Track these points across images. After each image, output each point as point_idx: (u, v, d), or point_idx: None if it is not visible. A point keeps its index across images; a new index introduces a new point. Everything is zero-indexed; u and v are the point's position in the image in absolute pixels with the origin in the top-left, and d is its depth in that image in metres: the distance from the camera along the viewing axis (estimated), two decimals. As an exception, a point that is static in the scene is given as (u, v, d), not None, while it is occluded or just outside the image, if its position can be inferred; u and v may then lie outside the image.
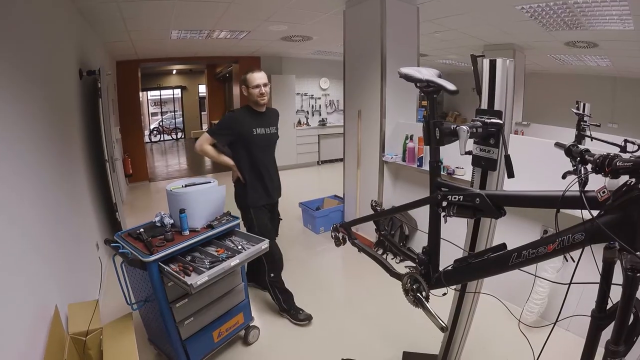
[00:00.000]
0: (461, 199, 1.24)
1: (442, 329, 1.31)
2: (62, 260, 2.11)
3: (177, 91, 12.57)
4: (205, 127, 12.34)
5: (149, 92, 12.37)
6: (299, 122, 7.70)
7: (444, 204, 1.29)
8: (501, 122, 1.34)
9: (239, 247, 2.09)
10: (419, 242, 3.41)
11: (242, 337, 2.35)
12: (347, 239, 1.84)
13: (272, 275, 2.44)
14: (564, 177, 1.03)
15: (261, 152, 2.41)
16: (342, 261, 3.55)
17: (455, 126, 1.28)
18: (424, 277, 1.39)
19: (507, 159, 1.27)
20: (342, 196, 4.16)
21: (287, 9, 3.77)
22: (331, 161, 8.19)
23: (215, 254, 2.00)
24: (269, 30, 4.71)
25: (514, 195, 1.15)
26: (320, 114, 8.07)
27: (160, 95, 12.62)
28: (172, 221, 2.10)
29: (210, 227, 2.12)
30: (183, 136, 12.60)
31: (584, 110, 2.78)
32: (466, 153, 1.30)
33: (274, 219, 2.68)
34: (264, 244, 2.06)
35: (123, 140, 6.13)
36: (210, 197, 2.17)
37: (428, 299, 1.40)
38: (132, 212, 4.83)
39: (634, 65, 4.36)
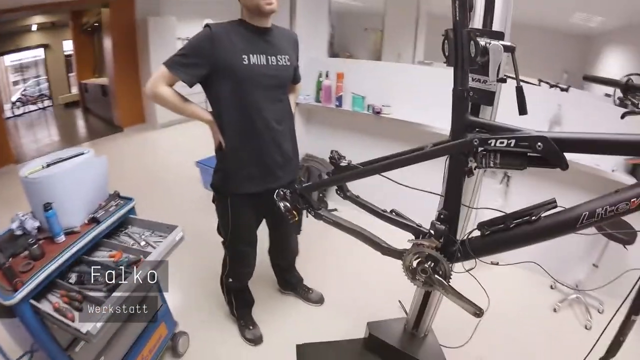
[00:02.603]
0: (512, 144, 0.78)
1: (476, 314, 0.92)
2: None
3: (40, 52, 9.24)
4: (74, 90, 9.45)
5: (7, 56, 8.78)
6: (183, 70, 6.25)
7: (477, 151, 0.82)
8: (513, 45, 0.87)
9: (142, 243, 1.31)
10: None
11: (170, 348, 1.64)
12: (306, 210, 1.24)
13: (230, 280, 1.62)
14: (622, 117, 0.83)
15: (259, 98, 1.26)
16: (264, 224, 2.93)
17: (486, 42, 0.79)
18: (442, 252, 0.94)
19: (520, 91, 0.84)
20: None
21: None
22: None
23: (111, 261, 1.20)
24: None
25: (593, 140, 0.76)
26: (206, 59, 6.70)
27: (20, 60, 9.14)
28: (37, 224, 1.21)
29: (94, 221, 1.28)
30: (51, 103, 9.57)
31: None
32: (498, 80, 0.83)
33: (284, 216, 1.35)
34: (177, 233, 1.32)
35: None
36: (87, 176, 1.31)
37: (449, 279, 0.97)
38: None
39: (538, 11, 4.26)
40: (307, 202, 1.19)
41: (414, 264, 1.00)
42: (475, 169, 0.87)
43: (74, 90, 9.56)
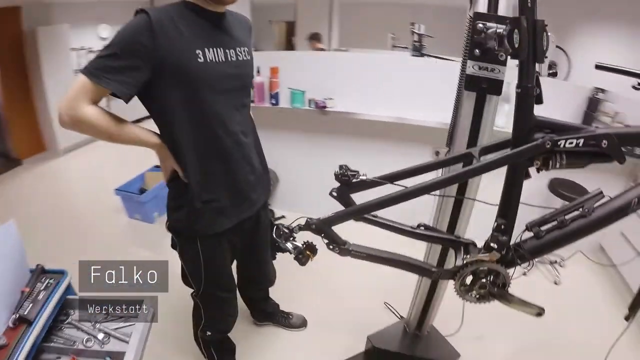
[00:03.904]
0: (581, 144, 0.66)
1: (539, 314, 0.82)
2: None
3: None
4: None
5: None
6: (80, 86, 5.00)
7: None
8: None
9: (99, 335, 0.88)
10: (284, 198, 2.54)
11: None
12: (328, 247, 0.94)
13: (208, 334, 1.22)
14: None
15: (222, 106, 0.91)
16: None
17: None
18: (502, 263, 0.80)
19: (537, 80, 0.74)
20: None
21: None
22: (136, 121, 5.70)
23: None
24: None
25: None
26: (103, 71, 5.44)
27: None
28: None
29: (23, 321, 0.82)
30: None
31: (419, 30, 2.65)
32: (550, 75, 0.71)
33: (259, 242, 1.18)
34: (148, 312, 0.95)
35: None
36: None
37: (507, 287, 0.84)
38: None
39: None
40: (328, 237, 0.91)
41: (471, 280, 0.84)
42: (538, 172, 0.73)
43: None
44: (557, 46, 2.00)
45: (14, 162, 4.09)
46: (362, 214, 0.88)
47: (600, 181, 1.00)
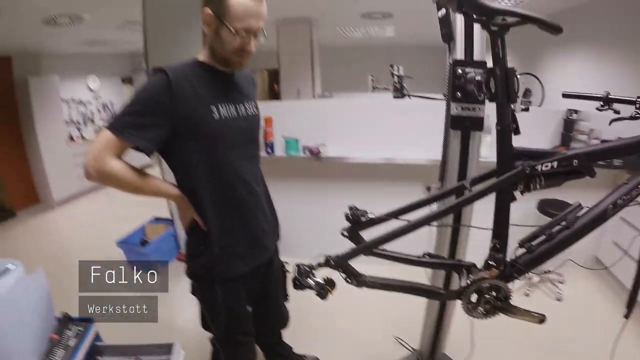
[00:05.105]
0: (555, 165, 0.79)
1: (542, 321, 0.91)
2: None
3: None
4: None
5: None
6: (72, 138, 4.90)
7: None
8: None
9: None
10: (283, 245, 2.62)
11: None
12: (349, 280, 1.00)
13: None
14: (610, 123, 0.95)
15: (236, 158, 0.99)
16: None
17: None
18: (501, 278, 0.90)
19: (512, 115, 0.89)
20: (169, 216, 2.71)
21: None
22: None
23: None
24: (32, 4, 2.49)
25: (608, 148, 0.87)
26: (94, 123, 5.37)
27: None
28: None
29: None
30: None
31: (399, 71, 2.88)
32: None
33: (273, 285, 1.26)
34: (178, 354, 1.01)
35: None
36: (24, 305, 0.92)
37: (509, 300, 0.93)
38: None
39: (419, 33, 4.44)
40: (346, 271, 0.99)
41: (477, 298, 0.93)
42: (522, 194, 0.85)
43: None
44: (529, 73, 2.21)
45: (7, 213, 4.07)
46: (374, 247, 0.97)
47: (585, 196, 1.13)
